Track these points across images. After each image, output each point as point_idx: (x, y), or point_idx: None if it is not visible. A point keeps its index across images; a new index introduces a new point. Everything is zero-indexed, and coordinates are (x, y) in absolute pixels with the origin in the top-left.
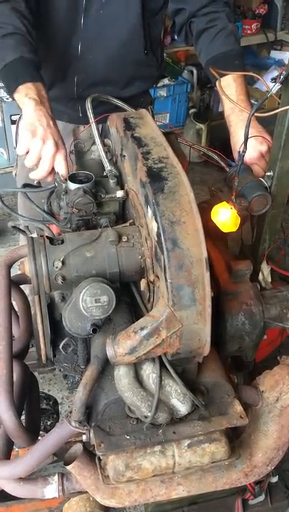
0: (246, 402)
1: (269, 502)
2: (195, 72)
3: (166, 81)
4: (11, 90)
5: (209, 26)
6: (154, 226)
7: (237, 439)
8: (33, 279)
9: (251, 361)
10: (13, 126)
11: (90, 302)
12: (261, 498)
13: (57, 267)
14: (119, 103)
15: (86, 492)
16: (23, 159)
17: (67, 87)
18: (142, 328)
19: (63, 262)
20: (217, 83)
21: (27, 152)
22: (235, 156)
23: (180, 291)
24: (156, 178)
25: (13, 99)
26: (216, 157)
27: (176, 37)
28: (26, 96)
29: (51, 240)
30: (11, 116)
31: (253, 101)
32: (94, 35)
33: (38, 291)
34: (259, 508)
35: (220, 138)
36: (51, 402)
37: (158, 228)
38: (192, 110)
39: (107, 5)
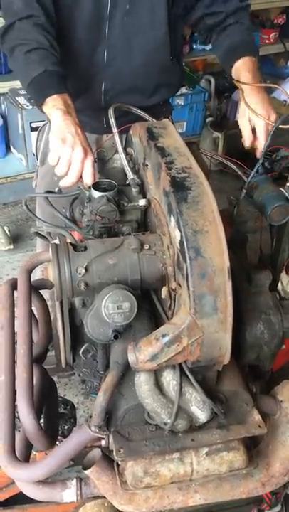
0: (264, 411)
1: None
2: (212, 81)
3: (183, 90)
4: (39, 104)
5: (239, 22)
6: (177, 235)
7: (254, 449)
8: (56, 284)
9: (268, 371)
10: (33, 134)
11: (112, 309)
12: (277, 508)
13: (80, 274)
14: (141, 113)
15: (102, 497)
16: (43, 170)
17: (93, 97)
18: (163, 336)
19: (86, 269)
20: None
21: (58, 161)
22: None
23: (202, 299)
24: (179, 187)
25: (43, 112)
26: (234, 167)
27: (194, 45)
28: (54, 107)
29: (74, 247)
30: (30, 123)
31: None
32: (119, 43)
33: (61, 296)
34: None
35: (236, 147)
36: (68, 407)
37: (181, 237)
38: (209, 119)
39: (132, 12)
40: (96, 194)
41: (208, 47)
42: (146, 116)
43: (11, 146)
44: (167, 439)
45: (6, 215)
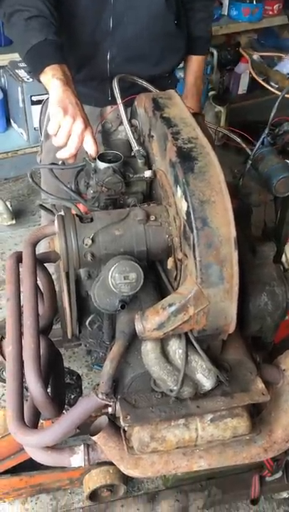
0: (267, 380)
1: (285, 479)
2: (215, 53)
3: None
4: (37, 72)
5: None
6: (183, 205)
7: (257, 416)
8: (63, 256)
9: (271, 342)
10: (34, 107)
11: (118, 279)
12: (278, 475)
13: (86, 245)
14: (145, 84)
15: (108, 464)
16: (48, 145)
17: (99, 66)
18: (170, 305)
19: (93, 240)
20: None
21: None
22: None
23: (208, 269)
24: (186, 158)
25: (39, 80)
26: (238, 139)
27: None
28: (53, 77)
29: (81, 218)
30: (31, 96)
31: (272, 83)
32: (125, 8)
33: (68, 267)
34: (275, 484)
35: (239, 121)
36: (74, 377)
37: (188, 207)
38: (211, 93)
39: None
40: (102, 165)
41: None
42: (151, 88)
43: (11, 121)
44: (173, 405)
45: (7, 191)
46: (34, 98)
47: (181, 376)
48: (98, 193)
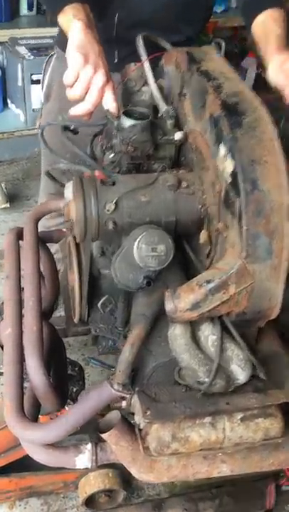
0: None
1: None
2: (223, 45)
3: None
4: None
5: None
6: (227, 166)
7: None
8: (80, 223)
9: None
10: (33, 87)
11: (145, 251)
12: None
13: (108, 210)
14: (168, 46)
15: (108, 467)
16: (48, 108)
17: (105, 27)
18: (207, 282)
19: (116, 205)
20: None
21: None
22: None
23: (256, 240)
24: (232, 111)
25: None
26: None
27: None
28: (75, 17)
29: (102, 181)
30: (31, 75)
31: None
32: None
33: (84, 237)
34: None
35: None
36: (76, 368)
37: (235, 167)
38: None
39: None
40: (128, 122)
41: (220, 9)
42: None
43: (9, 100)
44: (200, 401)
45: (1, 173)
46: (34, 77)
47: (215, 366)
48: (121, 154)
